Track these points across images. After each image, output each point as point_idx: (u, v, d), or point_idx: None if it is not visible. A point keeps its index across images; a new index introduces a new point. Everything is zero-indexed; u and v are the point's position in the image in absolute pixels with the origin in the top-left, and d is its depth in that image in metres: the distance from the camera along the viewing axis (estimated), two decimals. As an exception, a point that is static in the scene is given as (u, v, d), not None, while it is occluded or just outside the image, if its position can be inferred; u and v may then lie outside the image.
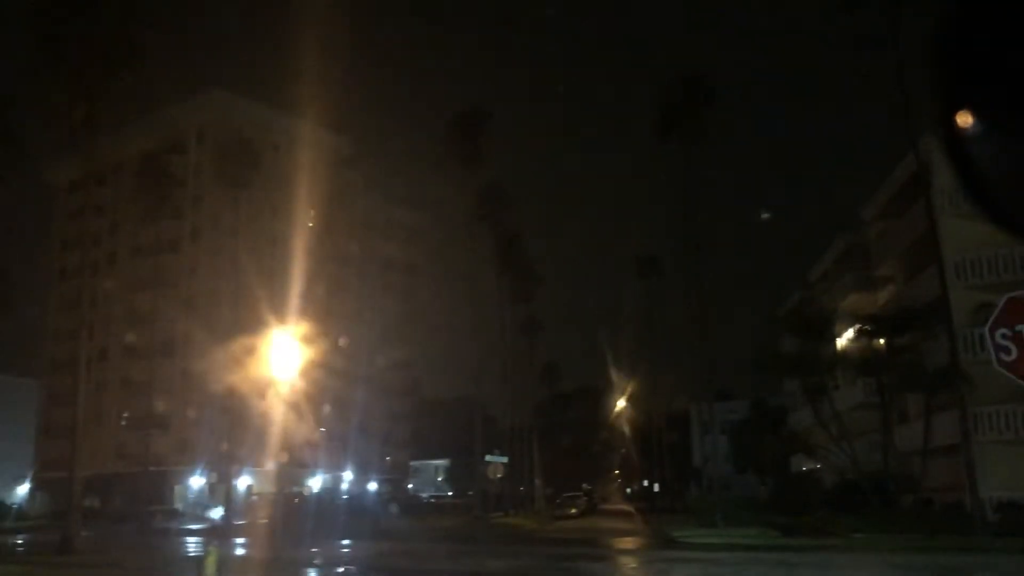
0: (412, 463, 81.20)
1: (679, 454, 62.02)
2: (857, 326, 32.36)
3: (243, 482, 51.61)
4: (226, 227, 51.27)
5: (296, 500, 36.52)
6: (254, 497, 47.46)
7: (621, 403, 62.40)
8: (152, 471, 52.15)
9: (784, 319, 42.19)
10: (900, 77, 24.21)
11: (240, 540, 29.45)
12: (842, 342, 35.69)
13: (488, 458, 44.70)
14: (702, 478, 54.55)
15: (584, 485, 72.91)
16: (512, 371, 54.81)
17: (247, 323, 33.86)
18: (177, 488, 56.53)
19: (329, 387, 48.60)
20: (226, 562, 15.36)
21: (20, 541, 33.70)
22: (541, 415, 63.20)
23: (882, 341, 30.55)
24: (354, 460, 63.11)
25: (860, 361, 31.81)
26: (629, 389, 61.00)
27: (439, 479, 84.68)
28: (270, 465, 43.61)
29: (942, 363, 26.02)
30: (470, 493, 53.76)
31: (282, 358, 23.06)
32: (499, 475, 45.46)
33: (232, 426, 42.44)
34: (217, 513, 45.44)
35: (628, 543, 29.56)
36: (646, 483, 71.05)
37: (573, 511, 50.42)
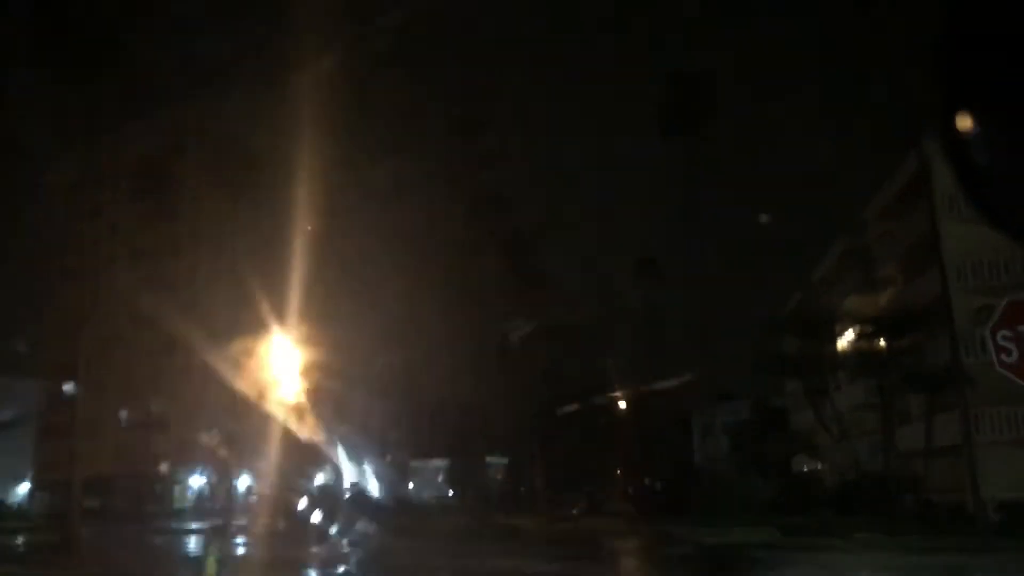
0: (412, 463, 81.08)
1: (680, 454, 61.97)
2: (858, 327, 32.31)
3: (243, 482, 51.57)
4: (226, 228, 51.22)
5: (297, 499, 36.52)
6: (254, 497, 47.43)
7: (622, 403, 62.23)
8: (152, 471, 52.14)
9: (785, 320, 42.15)
10: (902, 80, 24.23)
11: (241, 540, 29.41)
12: (843, 343, 35.65)
13: (488, 459, 44.63)
14: (703, 479, 54.45)
15: (585, 486, 72.73)
16: (512, 371, 54.68)
17: (247, 324, 33.83)
18: (177, 488, 56.53)
19: (329, 387, 48.53)
20: (227, 562, 15.34)
21: (20, 541, 33.65)
22: (541, 415, 63.09)
23: (883, 342, 30.51)
24: (354, 460, 63.03)
25: (861, 362, 31.77)
26: (630, 389, 60.92)
27: (439, 479, 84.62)
28: (270, 465, 43.55)
29: (943, 364, 26.00)
30: (470, 493, 53.71)
31: (282, 358, 23.07)
32: (499, 476, 45.42)
33: (232, 426, 42.37)
34: None
35: (629, 543, 29.52)
36: (647, 483, 70.91)
37: (574, 511, 50.35)
